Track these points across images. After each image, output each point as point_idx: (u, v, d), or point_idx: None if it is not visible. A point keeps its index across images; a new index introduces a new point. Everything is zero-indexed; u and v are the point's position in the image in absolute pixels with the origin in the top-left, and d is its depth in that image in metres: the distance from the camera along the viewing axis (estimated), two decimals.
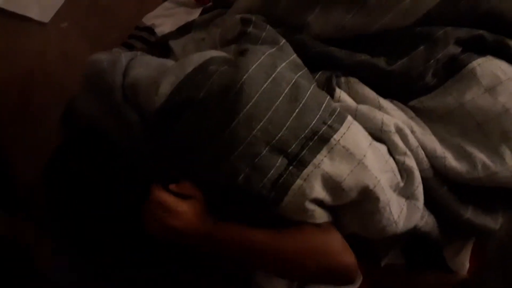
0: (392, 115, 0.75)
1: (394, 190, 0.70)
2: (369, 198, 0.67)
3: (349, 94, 0.77)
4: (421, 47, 0.77)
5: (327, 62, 0.79)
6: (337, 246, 0.70)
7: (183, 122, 0.68)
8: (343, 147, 0.67)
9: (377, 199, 0.67)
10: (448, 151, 0.74)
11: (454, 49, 0.78)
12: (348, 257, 0.70)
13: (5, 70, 1.02)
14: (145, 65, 0.74)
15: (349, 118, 0.70)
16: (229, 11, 0.94)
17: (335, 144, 0.67)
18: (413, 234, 0.74)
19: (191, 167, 0.69)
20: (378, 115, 0.72)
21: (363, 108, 0.74)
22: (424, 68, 0.77)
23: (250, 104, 0.65)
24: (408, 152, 0.71)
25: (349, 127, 0.68)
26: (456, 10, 0.78)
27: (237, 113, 0.65)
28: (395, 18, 0.79)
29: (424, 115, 0.78)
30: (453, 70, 0.78)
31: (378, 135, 0.72)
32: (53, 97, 1.00)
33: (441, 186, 0.75)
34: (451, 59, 0.78)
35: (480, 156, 0.73)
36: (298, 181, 0.66)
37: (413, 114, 0.78)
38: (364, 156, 0.67)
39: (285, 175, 0.66)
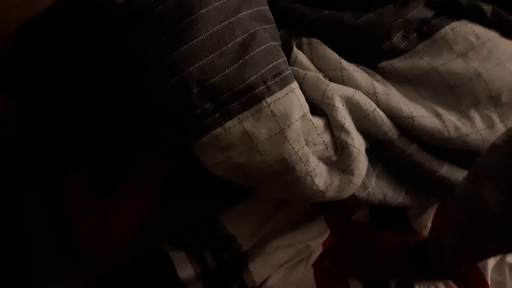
0: (354, 77, 0.74)
1: (326, 163, 0.70)
2: (285, 167, 0.67)
3: (310, 56, 0.75)
4: (390, 5, 0.77)
5: (291, 18, 0.77)
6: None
7: (134, 34, 0.66)
8: (271, 111, 0.66)
9: (293, 169, 0.67)
10: (417, 111, 0.74)
11: (425, 12, 0.78)
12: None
13: None
14: None
15: (292, 85, 0.69)
16: None
17: (265, 107, 0.66)
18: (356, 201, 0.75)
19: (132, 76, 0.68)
20: (323, 85, 0.71)
21: (311, 75, 0.72)
22: (392, 26, 0.76)
23: (197, 40, 0.64)
24: (347, 127, 0.70)
25: (287, 93, 0.67)
26: None
27: (181, 43, 0.64)
28: None
29: (394, 77, 0.77)
30: (425, 34, 0.78)
31: (319, 106, 0.71)
32: None
33: (409, 145, 0.75)
34: (422, 22, 0.78)
35: (451, 118, 0.74)
36: (219, 129, 0.66)
37: (379, 77, 0.77)
38: (288, 126, 0.66)
39: (209, 119, 0.65)
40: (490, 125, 0.75)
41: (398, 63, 0.77)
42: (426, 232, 0.85)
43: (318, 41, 0.76)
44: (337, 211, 0.85)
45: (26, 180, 0.82)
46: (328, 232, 0.84)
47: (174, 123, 0.67)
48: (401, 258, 0.80)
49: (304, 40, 0.76)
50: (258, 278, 0.80)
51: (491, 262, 0.79)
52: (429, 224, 0.85)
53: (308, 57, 0.75)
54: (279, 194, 0.75)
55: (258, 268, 0.80)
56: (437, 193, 0.79)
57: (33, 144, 0.78)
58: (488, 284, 0.78)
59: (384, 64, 0.77)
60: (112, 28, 0.68)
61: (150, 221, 0.82)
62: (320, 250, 0.83)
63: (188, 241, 0.84)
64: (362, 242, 0.84)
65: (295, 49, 0.74)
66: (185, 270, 0.80)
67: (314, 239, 0.82)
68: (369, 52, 0.78)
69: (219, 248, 0.83)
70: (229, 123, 0.66)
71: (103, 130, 0.76)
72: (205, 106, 0.65)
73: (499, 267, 0.80)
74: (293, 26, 0.77)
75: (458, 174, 0.77)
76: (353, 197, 0.74)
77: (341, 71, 0.74)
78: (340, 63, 0.75)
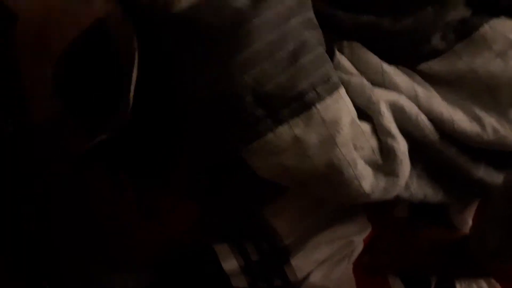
0: (395, 81, 0.75)
1: (372, 166, 0.71)
2: (333, 171, 0.68)
3: (351, 59, 0.76)
4: (429, 7, 0.76)
5: (329, 24, 0.77)
6: None
7: (185, 42, 0.67)
8: (321, 117, 0.67)
9: (341, 173, 0.68)
10: (457, 114, 0.74)
11: (464, 11, 0.77)
12: None
13: None
14: None
15: (340, 90, 0.69)
16: None
17: (315, 113, 0.67)
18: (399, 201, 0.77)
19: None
20: (368, 91, 0.72)
21: (356, 81, 0.73)
22: (431, 29, 0.76)
23: (251, 48, 0.65)
24: (393, 132, 0.71)
25: (336, 99, 0.68)
26: None
27: (238, 51, 0.65)
28: None
29: (433, 79, 0.78)
30: (463, 34, 0.77)
31: (365, 111, 0.72)
32: None
33: (450, 148, 0.76)
34: (461, 22, 0.77)
35: (490, 120, 0.74)
36: (270, 135, 0.67)
37: (420, 79, 0.78)
38: (338, 132, 0.67)
39: (261, 125, 0.67)
40: None
41: (436, 65, 0.77)
42: (467, 228, 0.85)
43: (359, 45, 0.77)
44: (377, 207, 0.86)
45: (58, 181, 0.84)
46: (370, 227, 0.85)
47: (221, 131, 0.69)
48: (441, 255, 0.81)
49: (345, 43, 0.77)
50: (300, 273, 0.82)
51: None
52: (470, 220, 0.85)
53: (349, 60, 0.76)
54: (324, 195, 0.76)
55: (300, 263, 0.82)
56: (475, 194, 0.80)
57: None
58: None
59: (423, 66, 0.78)
60: (161, 36, 0.68)
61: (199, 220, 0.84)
62: (362, 246, 0.84)
63: (230, 233, 0.86)
64: (402, 236, 0.85)
65: (337, 54, 0.75)
66: (230, 263, 0.82)
67: (357, 235, 0.84)
68: (408, 55, 0.78)
69: (261, 239, 0.85)
70: (280, 129, 0.67)
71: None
72: (257, 113, 0.66)
73: None
74: (329, 31, 0.77)
75: (494, 177, 0.78)
76: (396, 197, 0.75)
77: (382, 75, 0.75)
78: (382, 66, 0.75)
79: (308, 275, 0.82)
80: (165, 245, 0.83)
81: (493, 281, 0.80)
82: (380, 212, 0.86)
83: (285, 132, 0.67)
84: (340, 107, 0.68)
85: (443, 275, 0.81)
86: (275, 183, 0.80)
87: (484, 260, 0.76)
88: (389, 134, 0.71)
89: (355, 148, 0.69)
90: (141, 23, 0.68)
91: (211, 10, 0.65)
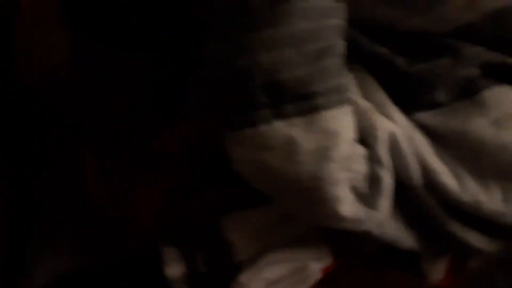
0: (395, 118, 0.72)
1: (356, 193, 0.67)
2: (316, 186, 0.64)
3: (358, 83, 0.73)
4: (445, 59, 0.73)
5: (347, 45, 0.73)
6: None
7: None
8: (325, 126, 0.63)
9: (324, 190, 0.64)
10: (443, 168, 0.72)
11: (474, 71, 0.74)
12: None
13: None
14: None
15: (349, 107, 0.66)
16: None
17: (320, 119, 0.63)
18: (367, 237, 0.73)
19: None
20: (373, 116, 0.69)
21: (363, 103, 0.70)
22: (440, 81, 0.74)
23: (282, 29, 0.61)
24: (385, 163, 0.68)
25: (344, 113, 0.65)
26: (502, 28, 0.75)
27: (267, 26, 0.60)
28: (434, 20, 0.73)
29: (423, 131, 0.75)
30: (466, 93, 0.75)
31: (364, 136, 0.69)
32: None
33: (429, 197, 0.73)
34: (468, 80, 0.75)
35: (471, 183, 0.73)
36: (266, 126, 0.62)
37: (414, 126, 0.75)
38: (336, 146, 0.63)
39: (259, 112, 0.62)
40: (508, 198, 0.73)
41: (431, 118, 0.75)
42: (436, 278, 0.79)
43: (367, 73, 0.74)
44: (344, 238, 0.80)
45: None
46: (331, 259, 0.79)
47: (221, 103, 0.65)
48: None
49: (357, 66, 0.74)
50: None
51: None
52: (442, 271, 0.79)
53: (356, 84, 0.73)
54: (295, 209, 0.72)
55: (248, 281, 0.76)
56: (447, 247, 0.77)
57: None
58: None
59: (418, 116, 0.75)
60: None
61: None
62: (318, 275, 0.78)
63: (183, 239, 0.80)
64: (368, 278, 0.80)
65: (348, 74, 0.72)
66: (174, 268, 0.77)
67: (314, 261, 0.78)
68: (409, 100, 0.75)
69: (213, 252, 0.79)
70: (278, 124, 0.62)
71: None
72: (260, 99, 0.62)
73: None
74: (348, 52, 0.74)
75: (468, 235, 0.74)
76: (367, 232, 0.71)
77: (384, 107, 0.72)
78: (384, 99, 0.73)
79: None
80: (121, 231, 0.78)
81: None
82: (347, 246, 0.80)
83: (281, 128, 0.62)
84: (344, 123, 0.65)
85: None
86: (240, 193, 0.77)
87: None
88: (382, 164, 0.68)
89: (346, 168, 0.65)
90: None
91: None
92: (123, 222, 0.79)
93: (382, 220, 0.71)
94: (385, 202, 0.69)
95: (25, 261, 0.78)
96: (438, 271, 0.80)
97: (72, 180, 0.78)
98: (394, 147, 0.70)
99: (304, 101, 0.62)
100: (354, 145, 0.66)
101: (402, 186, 0.71)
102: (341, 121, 0.64)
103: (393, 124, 0.71)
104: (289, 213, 0.80)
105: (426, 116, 0.75)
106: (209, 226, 0.81)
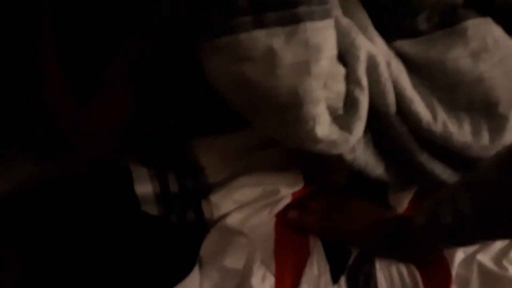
0: (376, 42, 0.71)
1: (331, 114, 0.67)
2: (294, 102, 0.63)
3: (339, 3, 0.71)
4: None
5: None
6: None
7: None
8: (306, 38, 0.62)
9: (300, 107, 0.63)
10: (416, 96, 0.72)
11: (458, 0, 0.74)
12: None
13: None
14: None
15: (332, 20, 0.65)
16: None
17: (301, 31, 0.61)
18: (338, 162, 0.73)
19: None
20: (354, 34, 0.68)
21: (345, 21, 0.69)
22: (422, 6, 0.73)
23: None
24: (363, 84, 0.67)
25: (326, 27, 0.64)
26: None
27: None
28: None
29: (403, 60, 0.75)
30: (447, 22, 0.75)
31: (343, 54, 0.67)
32: None
33: (402, 125, 0.73)
34: (450, 8, 0.75)
35: (442, 114, 0.73)
36: (245, 35, 0.61)
37: (394, 53, 0.74)
38: (316, 61, 0.62)
39: (239, 19, 0.60)
40: (477, 131, 0.73)
41: (410, 47, 0.75)
42: (401, 209, 0.81)
43: None
44: (316, 167, 0.81)
45: None
46: (302, 184, 0.80)
47: (198, 10, 0.62)
48: (371, 230, 0.76)
49: None
50: (218, 211, 0.76)
51: (460, 255, 0.75)
52: (406, 203, 0.81)
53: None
54: (271, 129, 0.70)
55: (219, 201, 0.76)
56: (414, 177, 0.78)
57: None
58: (451, 276, 0.74)
59: (398, 43, 0.75)
60: None
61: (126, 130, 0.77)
62: (289, 200, 0.79)
63: (154, 160, 0.79)
64: (336, 203, 0.80)
65: None
66: (144, 187, 0.76)
67: (285, 186, 0.78)
68: (390, 25, 0.74)
69: (185, 174, 0.78)
70: (258, 33, 0.60)
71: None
72: (240, 4, 0.60)
73: (467, 262, 0.75)
74: None
75: (435, 166, 0.76)
76: (339, 156, 0.71)
77: (366, 30, 0.71)
78: (367, 22, 0.72)
79: (225, 216, 0.75)
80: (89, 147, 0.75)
81: (413, 268, 0.74)
82: (318, 173, 0.81)
83: (261, 38, 0.60)
84: (326, 37, 0.63)
85: (367, 249, 0.76)
86: (213, 118, 0.75)
87: (431, 238, 0.70)
88: (359, 85, 0.67)
89: (325, 86, 0.64)
90: None
91: None
92: (81, 138, 0.76)
93: (355, 145, 0.71)
94: (360, 126, 0.68)
95: None
96: (403, 203, 0.81)
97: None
98: (373, 70, 0.69)
99: (286, 10, 0.61)
100: (335, 62, 0.65)
101: (376, 111, 0.71)
102: (323, 35, 0.63)
103: (373, 46, 0.70)
104: (261, 138, 0.80)
105: (406, 44, 0.74)
106: (180, 148, 0.80)
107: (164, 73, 0.74)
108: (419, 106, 0.72)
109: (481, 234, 0.66)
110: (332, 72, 0.65)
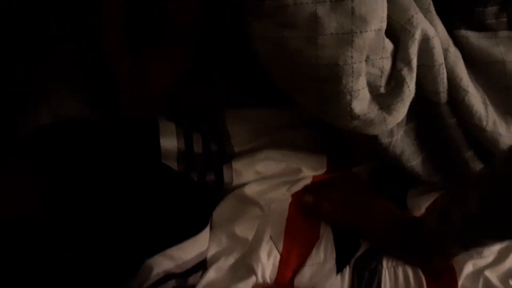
0: (436, 24, 0.68)
1: (371, 91, 0.64)
2: (332, 75, 0.61)
3: None
4: None
5: None
6: None
7: None
8: (352, 8, 0.59)
9: (339, 79, 0.60)
10: (472, 89, 0.70)
11: None
12: None
13: None
14: None
15: None
16: None
17: (348, 0, 0.59)
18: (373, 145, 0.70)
19: None
20: (412, 10, 0.65)
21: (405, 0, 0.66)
22: None
23: None
24: (413, 65, 0.64)
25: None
26: None
27: None
28: None
29: (462, 51, 0.72)
30: None
31: (397, 30, 0.64)
32: None
33: (451, 116, 0.70)
34: None
35: (494, 114, 0.70)
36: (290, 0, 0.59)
37: (452, 42, 0.71)
38: (360, 32, 0.59)
39: None
40: None
41: (473, 38, 0.72)
42: (418, 214, 0.79)
43: None
44: (341, 156, 0.80)
45: None
46: (324, 170, 0.79)
47: None
48: (387, 229, 0.75)
49: None
50: (238, 179, 0.75)
51: (469, 268, 0.74)
52: (423, 208, 0.80)
53: None
54: (309, 103, 0.68)
55: (240, 168, 0.76)
56: (451, 174, 0.74)
57: None
58: (457, 287, 0.73)
59: (461, 33, 0.72)
60: None
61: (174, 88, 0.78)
62: (308, 182, 0.78)
63: (184, 119, 0.80)
64: (356, 194, 0.79)
65: None
66: (169, 141, 0.76)
67: (308, 167, 0.78)
68: (459, 12, 0.72)
69: (211, 138, 0.79)
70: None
71: None
72: None
73: (474, 276, 0.74)
74: None
75: (477, 165, 0.73)
76: (374, 138, 0.68)
77: (427, 12, 0.68)
78: (430, 4, 0.69)
79: (244, 185, 0.75)
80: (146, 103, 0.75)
81: (419, 270, 0.74)
82: (342, 161, 0.80)
83: (306, 4, 0.59)
84: (375, 8, 0.60)
85: (377, 245, 0.75)
86: (248, 92, 0.74)
87: (442, 239, 0.69)
88: (409, 63, 0.63)
89: (367, 60, 0.61)
90: None
91: None
92: (134, 91, 0.77)
93: (394, 129, 0.68)
94: (402, 108, 0.65)
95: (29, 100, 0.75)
96: (421, 208, 0.80)
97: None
98: (427, 53, 0.65)
99: None
100: (382, 35, 0.62)
101: (425, 98, 0.68)
102: (371, 6, 0.60)
103: (431, 27, 0.66)
104: (290, 118, 0.80)
105: (471, 35, 0.71)
106: (212, 114, 0.81)
107: (214, 36, 0.74)
108: (474, 98, 0.69)
109: (489, 234, 0.64)
110: (377, 47, 0.62)
